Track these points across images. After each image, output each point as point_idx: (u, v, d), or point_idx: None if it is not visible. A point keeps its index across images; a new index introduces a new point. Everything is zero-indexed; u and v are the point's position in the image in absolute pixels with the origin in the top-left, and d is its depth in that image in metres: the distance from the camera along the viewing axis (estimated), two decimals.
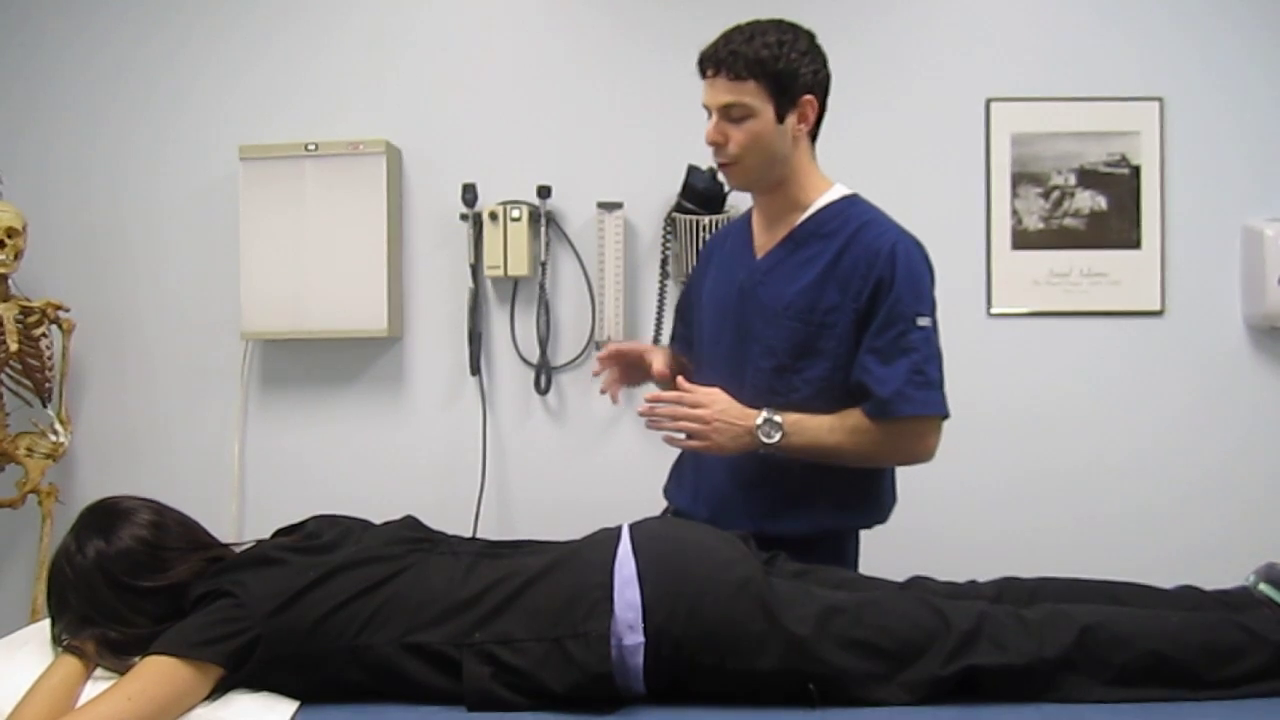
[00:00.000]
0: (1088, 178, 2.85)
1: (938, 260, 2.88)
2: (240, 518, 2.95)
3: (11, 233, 2.72)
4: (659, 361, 1.96)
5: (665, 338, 2.69)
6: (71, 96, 2.99)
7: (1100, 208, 2.85)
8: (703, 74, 1.76)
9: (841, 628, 1.44)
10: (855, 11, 2.90)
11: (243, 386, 2.98)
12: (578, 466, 2.91)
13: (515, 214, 2.84)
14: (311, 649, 1.43)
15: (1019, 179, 2.86)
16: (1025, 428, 2.85)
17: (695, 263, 2.11)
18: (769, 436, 1.70)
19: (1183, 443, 2.84)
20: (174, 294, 2.99)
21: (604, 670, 1.39)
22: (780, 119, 1.73)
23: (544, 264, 2.90)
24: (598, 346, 2.89)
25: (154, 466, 2.96)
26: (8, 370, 2.75)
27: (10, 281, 2.77)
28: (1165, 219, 2.84)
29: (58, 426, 2.82)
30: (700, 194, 2.73)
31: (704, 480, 1.87)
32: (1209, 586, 1.60)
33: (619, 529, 1.56)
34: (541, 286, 2.92)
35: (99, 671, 1.45)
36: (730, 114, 1.73)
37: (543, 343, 2.92)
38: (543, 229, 2.89)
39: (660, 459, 2.01)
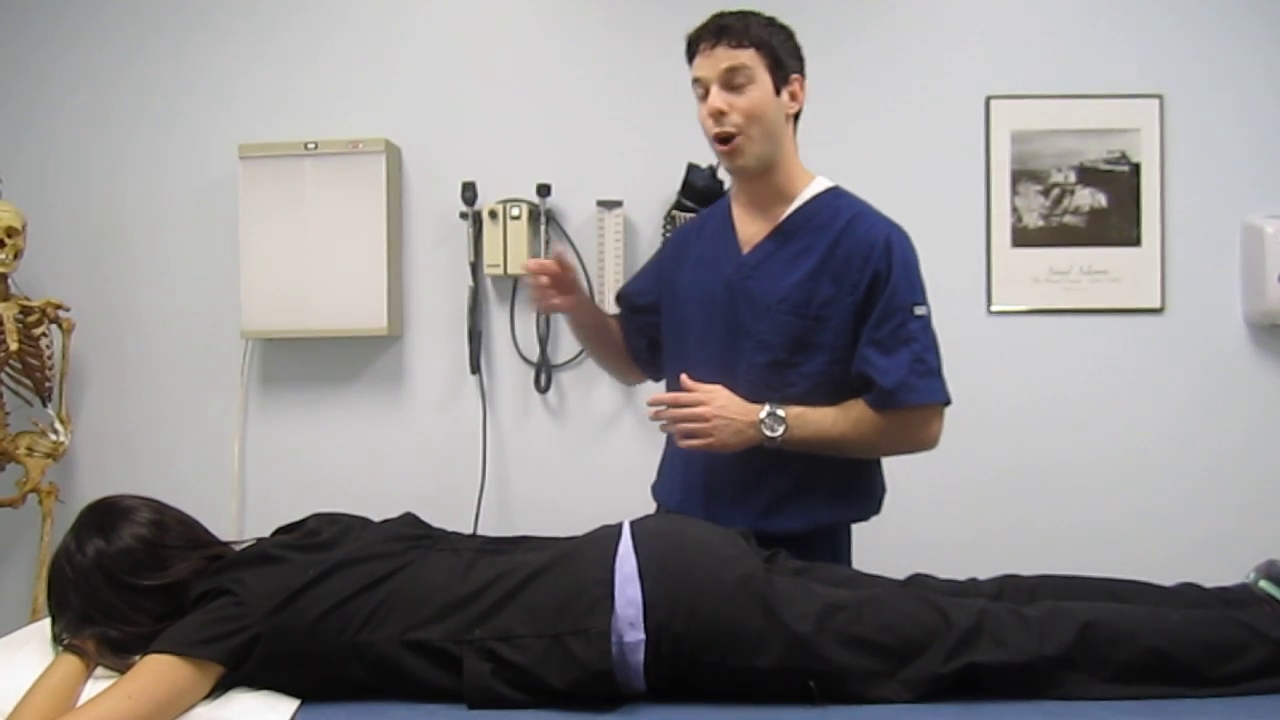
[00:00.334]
0: (1088, 175, 2.85)
1: (938, 258, 2.88)
2: (240, 516, 2.95)
3: (11, 232, 2.72)
4: (577, 296, 1.92)
5: None
6: (71, 96, 2.99)
7: (1100, 205, 2.85)
8: (694, 52, 1.77)
9: (842, 625, 1.44)
10: (855, 10, 2.90)
11: (243, 385, 2.98)
12: (578, 465, 2.91)
13: (515, 212, 2.84)
14: (312, 647, 1.43)
15: (1019, 176, 2.86)
16: (1025, 425, 2.85)
17: (660, 254, 2.05)
18: (773, 431, 1.69)
19: (1183, 440, 2.84)
20: (174, 293, 2.99)
21: (604, 667, 1.39)
22: (777, 91, 1.74)
23: None
24: None
25: (154, 465, 2.96)
26: (8, 369, 2.75)
27: (10, 281, 2.77)
28: (1165, 216, 2.84)
29: (58, 426, 2.82)
30: (700, 192, 2.73)
31: (694, 479, 1.86)
32: (1209, 583, 1.60)
33: (620, 526, 1.55)
34: None
35: (99, 670, 1.44)
36: (732, 80, 1.72)
37: (542, 341, 2.92)
38: (542, 227, 2.89)
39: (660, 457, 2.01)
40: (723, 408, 1.71)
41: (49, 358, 2.82)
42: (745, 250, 1.83)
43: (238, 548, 1.60)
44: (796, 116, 1.81)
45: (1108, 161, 2.85)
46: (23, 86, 3.00)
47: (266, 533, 1.66)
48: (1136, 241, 2.85)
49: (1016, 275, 2.86)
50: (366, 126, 2.88)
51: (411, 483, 2.89)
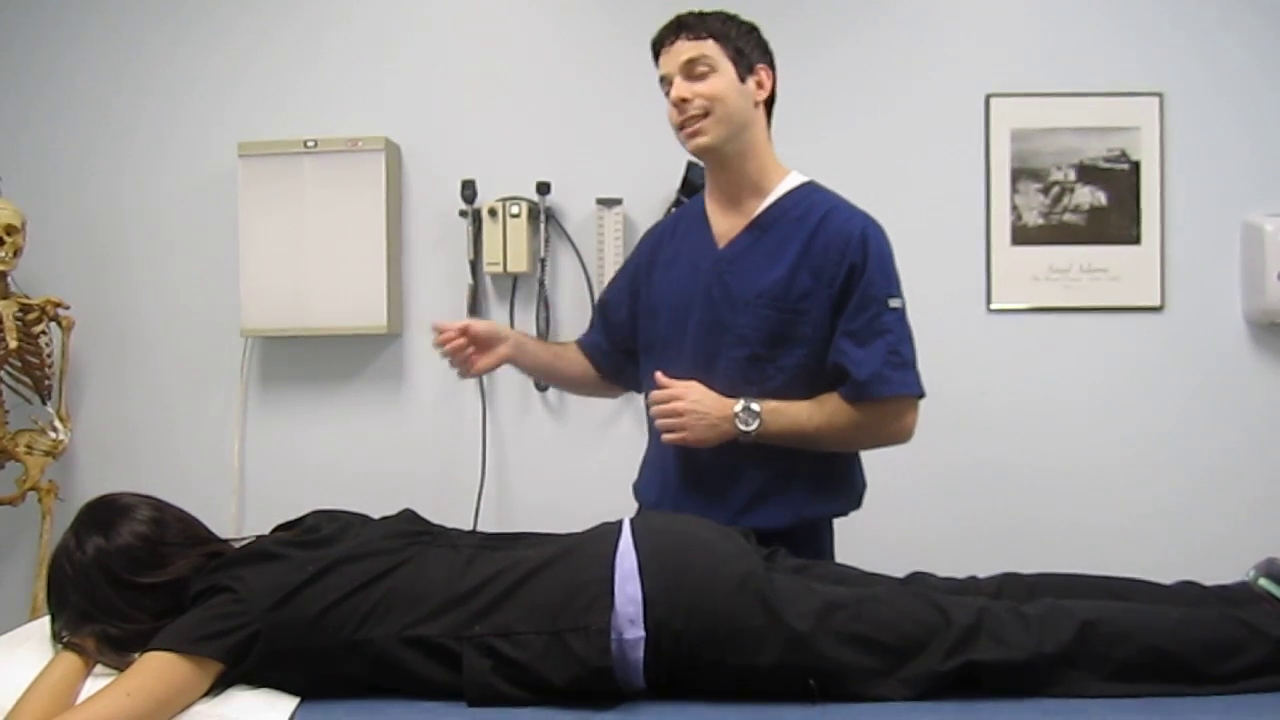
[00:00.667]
0: (1087, 173, 2.85)
1: (937, 256, 2.90)
2: (240, 514, 2.95)
3: (10, 230, 2.72)
4: (506, 348, 1.90)
5: None
6: (70, 94, 2.99)
7: (1100, 203, 2.85)
8: (657, 52, 1.80)
9: (841, 623, 1.44)
10: (855, 9, 2.90)
11: (242, 383, 2.98)
12: (577, 463, 2.91)
13: (515, 210, 2.84)
14: (311, 643, 1.43)
15: (1019, 175, 2.86)
16: (1024, 423, 2.85)
17: (633, 258, 2.04)
18: (747, 425, 1.71)
19: (1183, 439, 2.84)
20: (173, 291, 2.99)
21: (604, 664, 1.39)
22: (741, 80, 1.77)
23: (543, 260, 2.90)
24: None
25: (154, 463, 2.96)
26: (7, 368, 2.75)
27: (9, 279, 2.77)
28: (1165, 214, 2.84)
29: (57, 424, 2.82)
30: (700, 190, 2.72)
31: (672, 476, 1.86)
32: (1209, 582, 1.60)
33: (620, 523, 1.55)
34: (541, 283, 2.92)
35: (99, 668, 1.44)
36: (694, 70, 1.75)
37: (542, 339, 2.92)
38: (542, 225, 2.89)
39: None
40: (697, 402, 1.72)
41: (48, 356, 2.82)
42: (721, 245, 1.84)
43: (237, 545, 1.60)
44: (770, 107, 1.83)
45: (1107, 159, 2.85)
46: (22, 84, 3.00)
47: (266, 530, 1.66)
48: (1136, 240, 2.85)
49: (1016, 273, 2.86)
50: (366, 124, 2.88)
51: (411, 481, 2.89)
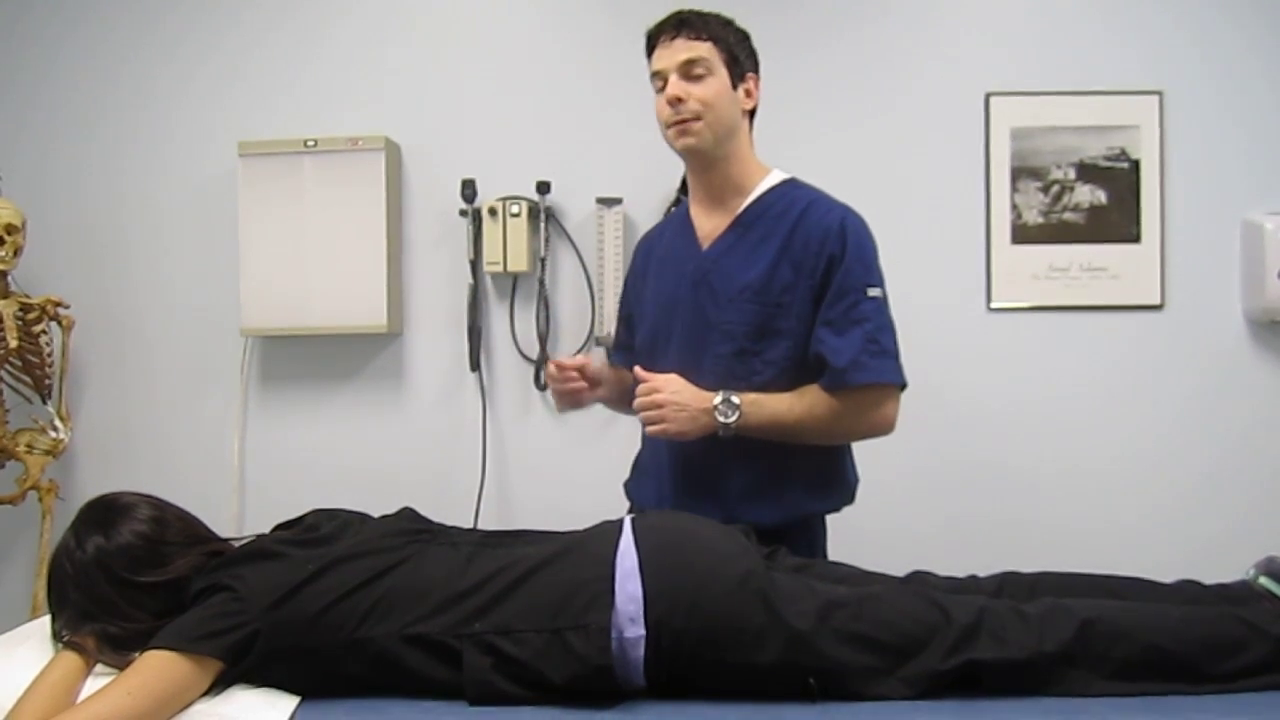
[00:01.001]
0: (1087, 172, 2.85)
1: (937, 255, 2.90)
2: (240, 513, 2.95)
3: (11, 229, 2.72)
4: (605, 388, 1.98)
5: None
6: (70, 93, 2.99)
7: (1100, 202, 2.85)
8: (653, 46, 1.82)
9: (842, 622, 1.44)
10: (855, 7, 2.90)
11: (242, 383, 2.98)
12: (578, 462, 2.91)
13: (515, 210, 2.84)
14: (311, 642, 1.43)
15: (1018, 173, 2.86)
16: (1025, 422, 2.85)
17: (630, 270, 2.08)
18: (726, 417, 1.71)
19: (1183, 437, 2.84)
20: (173, 290, 2.99)
21: (604, 662, 1.39)
22: (734, 86, 1.79)
23: (543, 260, 2.90)
24: (598, 342, 2.90)
25: (154, 462, 2.96)
26: (7, 367, 2.75)
27: (10, 278, 2.77)
28: (1165, 213, 2.84)
29: (57, 423, 2.82)
30: None
31: (664, 474, 1.87)
32: (1209, 580, 1.60)
33: (621, 521, 1.56)
34: (541, 282, 2.92)
35: (99, 667, 1.44)
36: (691, 71, 1.76)
37: (542, 338, 2.92)
38: (542, 225, 2.89)
39: None
40: (676, 393, 1.73)
41: (49, 355, 2.82)
42: (705, 246, 1.86)
43: (237, 544, 1.60)
44: (752, 115, 1.86)
45: (1107, 158, 2.85)
46: (22, 83, 3.00)
47: (266, 529, 1.66)
48: (1136, 238, 2.85)
49: (1016, 272, 2.86)
50: (366, 124, 2.88)
51: (411, 480, 2.89)
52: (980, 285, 2.87)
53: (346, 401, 2.98)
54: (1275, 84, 2.83)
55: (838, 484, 1.87)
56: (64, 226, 2.97)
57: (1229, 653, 1.44)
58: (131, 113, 2.98)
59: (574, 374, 1.90)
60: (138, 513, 1.54)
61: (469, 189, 2.88)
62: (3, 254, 2.71)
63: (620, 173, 2.89)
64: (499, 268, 2.86)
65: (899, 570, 1.63)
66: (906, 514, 2.74)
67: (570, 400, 1.95)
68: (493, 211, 2.85)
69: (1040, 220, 2.86)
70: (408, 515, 1.68)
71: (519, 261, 2.85)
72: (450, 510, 2.58)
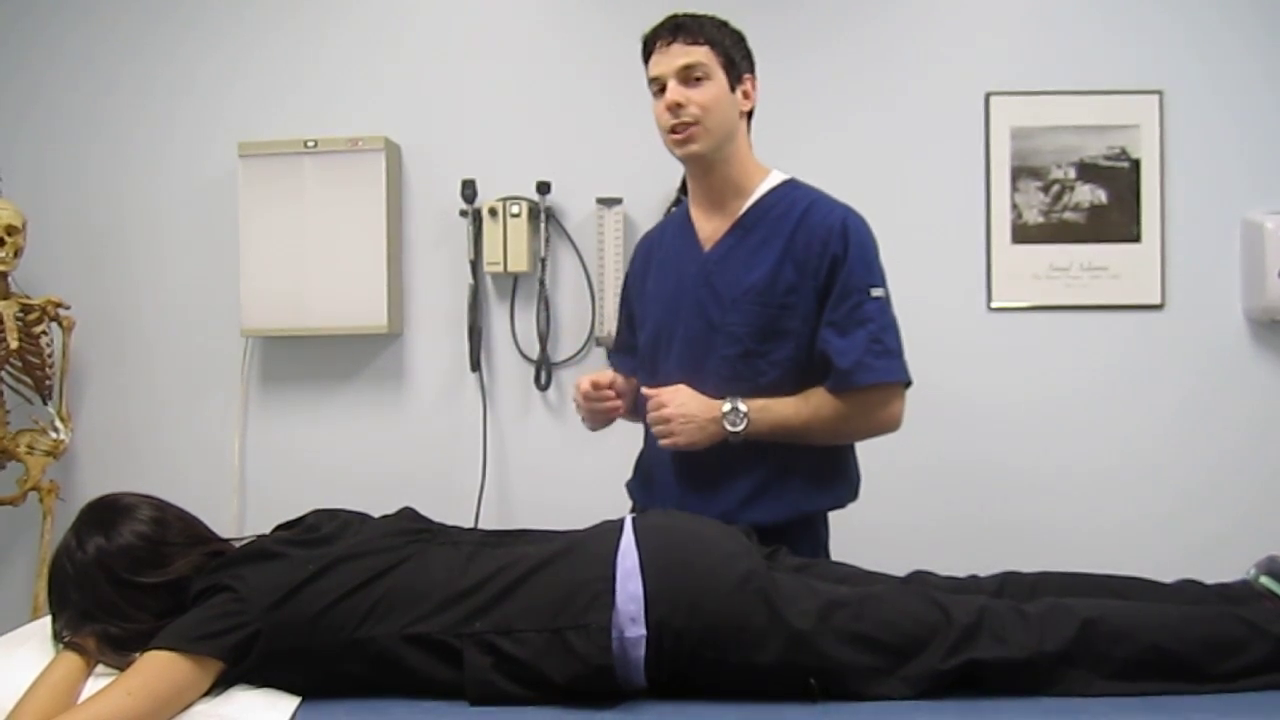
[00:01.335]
0: (1087, 171, 2.85)
1: (938, 254, 2.90)
2: (241, 514, 2.95)
3: (11, 230, 2.72)
4: (628, 400, 1.97)
5: None
6: (70, 93, 2.99)
7: (1100, 201, 2.85)
8: (650, 51, 1.81)
9: (843, 622, 1.44)
10: (855, 7, 2.90)
11: (243, 383, 2.98)
12: (578, 462, 2.90)
13: (515, 210, 2.84)
14: (312, 642, 1.43)
15: (1019, 173, 2.86)
16: (1025, 422, 2.85)
17: (628, 274, 2.08)
18: (735, 425, 1.72)
19: (1183, 436, 2.84)
20: (174, 291, 2.99)
21: (605, 662, 1.39)
22: (731, 89, 1.80)
23: (544, 260, 2.90)
24: (598, 342, 2.90)
25: (154, 463, 2.96)
26: (8, 368, 2.75)
27: (10, 279, 2.77)
28: (1165, 212, 2.84)
29: (58, 424, 2.82)
30: None
31: (668, 475, 1.87)
32: (1209, 580, 1.60)
33: (622, 521, 1.56)
34: (541, 282, 2.92)
35: (100, 668, 1.44)
36: (689, 75, 1.77)
37: (543, 339, 2.92)
38: (542, 225, 2.89)
39: None
40: (683, 405, 1.74)
41: (49, 356, 2.82)
42: (707, 248, 1.86)
43: (238, 544, 1.60)
44: (750, 116, 1.86)
45: (1108, 158, 2.85)
46: (22, 83, 3.00)
47: (267, 530, 1.66)
48: (1136, 238, 2.85)
49: (1016, 272, 2.86)
50: (366, 124, 2.88)
51: (412, 480, 2.88)
52: (980, 285, 2.87)
53: (347, 402, 2.98)
54: (1275, 84, 2.83)
55: (842, 481, 1.87)
56: (64, 227, 2.97)
57: (1229, 652, 1.44)
58: (131, 113, 2.98)
59: (609, 392, 1.90)
60: (139, 513, 1.54)
61: (469, 189, 2.88)
62: (3, 255, 2.71)
63: (620, 173, 2.89)
64: (499, 268, 2.86)
65: (900, 569, 1.63)
66: (907, 513, 2.74)
67: (604, 419, 1.96)
68: (493, 212, 2.85)
69: (1040, 220, 2.86)
70: (408, 515, 1.68)
71: (519, 262, 2.85)
72: (450, 510, 2.57)
